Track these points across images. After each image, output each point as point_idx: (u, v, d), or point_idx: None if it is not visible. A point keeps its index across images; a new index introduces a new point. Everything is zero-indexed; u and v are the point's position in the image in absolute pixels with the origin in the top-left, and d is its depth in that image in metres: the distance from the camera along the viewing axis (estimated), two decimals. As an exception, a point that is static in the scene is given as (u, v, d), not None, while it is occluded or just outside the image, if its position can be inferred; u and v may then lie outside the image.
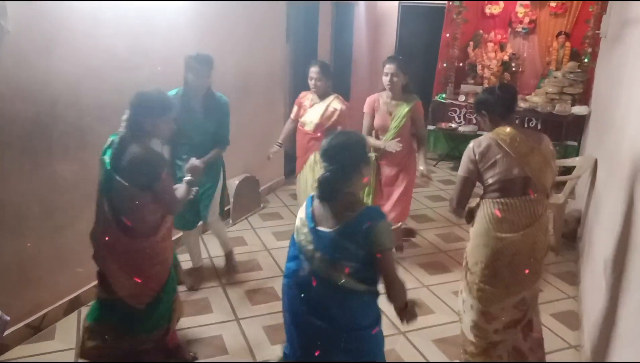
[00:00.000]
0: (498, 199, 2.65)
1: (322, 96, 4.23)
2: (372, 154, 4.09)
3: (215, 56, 4.64)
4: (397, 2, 8.89)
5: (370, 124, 4.17)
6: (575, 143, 6.75)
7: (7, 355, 3.05)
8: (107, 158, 2.54)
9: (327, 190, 2.12)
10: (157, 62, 3.93)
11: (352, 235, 2.05)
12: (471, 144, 2.71)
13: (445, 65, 7.97)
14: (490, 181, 2.66)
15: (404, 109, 4.01)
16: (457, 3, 7.75)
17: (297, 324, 2.23)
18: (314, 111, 4.24)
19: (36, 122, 3.04)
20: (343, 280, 2.07)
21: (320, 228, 2.11)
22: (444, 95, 7.76)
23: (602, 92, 5.25)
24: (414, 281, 4.15)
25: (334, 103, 4.19)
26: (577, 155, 6.35)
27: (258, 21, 5.30)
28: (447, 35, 7.91)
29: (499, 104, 2.73)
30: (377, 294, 2.19)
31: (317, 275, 2.12)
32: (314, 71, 4.17)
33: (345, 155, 2.12)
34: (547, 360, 3.23)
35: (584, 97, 6.98)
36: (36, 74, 3.01)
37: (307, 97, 4.35)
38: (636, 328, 2.13)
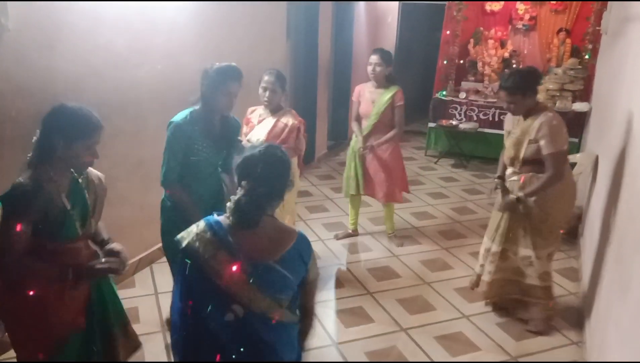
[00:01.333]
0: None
1: (274, 111, 3.74)
2: (356, 142, 4.47)
3: (215, 54, 4.65)
4: (397, 0, 8.87)
5: (356, 110, 4.48)
6: (576, 140, 6.74)
7: (6, 355, 3.05)
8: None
9: (250, 215, 1.77)
10: (157, 60, 3.93)
11: (294, 264, 1.81)
12: (555, 121, 3.09)
13: (445, 62, 7.96)
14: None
15: (385, 96, 4.28)
16: (457, 1, 7.74)
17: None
18: (261, 127, 3.75)
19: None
20: (275, 314, 1.81)
21: (249, 261, 1.77)
22: (444, 92, 7.76)
23: (602, 89, 5.25)
24: (415, 278, 4.16)
25: (285, 118, 3.70)
26: (578, 152, 6.33)
27: (258, 19, 5.29)
28: (448, 32, 7.90)
29: (539, 80, 3.26)
30: (295, 327, 1.94)
31: (247, 318, 1.79)
32: (268, 80, 3.64)
33: (276, 172, 1.82)
34: (549, 359, 3.25)
35: (585, 94, 6.98)
36: (36, 72, 3.01)
37: (255, 113, 3.86)
38: (637, 324, 2.13)
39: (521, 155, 3.23)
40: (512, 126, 3.39)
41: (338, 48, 7.43)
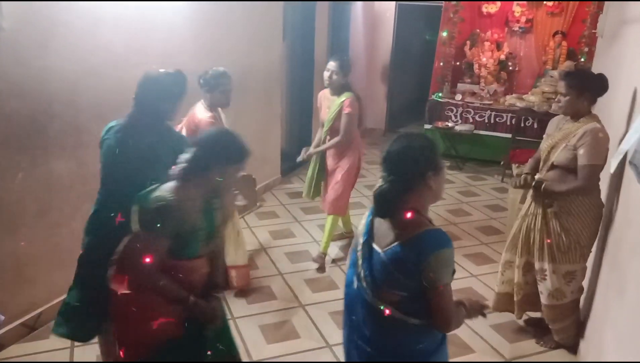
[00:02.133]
0: None
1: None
2: None
3: (212, 53, 4.64)
4: (394, 1, 8.88)
5: (320, 117, 4.39)
6: (572, 142, 6.75)
7: (3, 354, 3.04)
8: None
9: (383, 203, 1.80)
10: (155, 60, 3.90)
11: (402, 261, 1.72)
12: (602, 134, 2.88)
13: (441, 64, 7.97)
14: None
15: (336, 103, 4.13)
16: (453, 2, 7.75)
17: (344, 334, 2.03)
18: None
19: (33, 121, 3.03)
20: (385, 309, 1.77)
21: (374, 245, 1.82)
22: (440, 94, 7.76)
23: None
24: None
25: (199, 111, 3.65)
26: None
27: (255, 19, 5.28)
28: (444, 34, 7.91)
29: (602, 90, 3.00)
30: (426, 330, 1.82)
31: (362, 294, 1.84)
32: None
33: (409, 161, 1.77)
34: (543, 359, 3.25)
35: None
36: (33, 72, 2.99)
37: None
38: (634, 326, 2.13)
39: (552, 158, 3.04)
40: (554, 129, 3.22)
41: (334, 48, 7.42)
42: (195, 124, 3.53)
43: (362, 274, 1.82)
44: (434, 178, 1.77)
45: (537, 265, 3.16)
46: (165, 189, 2.06)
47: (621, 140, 2.76)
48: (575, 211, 3.00)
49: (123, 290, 2.10)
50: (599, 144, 2.88)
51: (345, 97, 4.08)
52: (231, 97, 3.67)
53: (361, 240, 1.86)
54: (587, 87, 2.97)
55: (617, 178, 2.97)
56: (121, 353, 2.18)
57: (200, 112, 3.55)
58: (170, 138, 2.64)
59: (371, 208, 1.89)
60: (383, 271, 1.76)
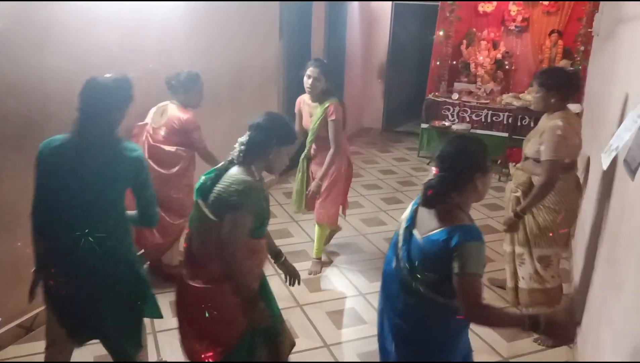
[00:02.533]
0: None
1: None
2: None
3: (208, 52, 4.64)
4: (390, 1, 8.88)
5: (299, 124, 4.10)
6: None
7: (0, 355, 3.03)
8: None
9: (428, 197, 1.98)
10: (150, 59, 3.90)
11: (436, 248, 1.91)
12: (560, 131, 3.05)
13: (438, 63, 7.98)
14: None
15: (319, 110, 3.91)
16: (450, 1, 7.76)
17: (379, 306, 2.27)
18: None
19: (29, 120, 3.02)
20: (417, 287, 1.98)
21: (414, 231, 2.05)
22: (437, 93, 7.77)
23: (594, 90, 5.27)
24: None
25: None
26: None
27: (251, 18, 5.28)
28: (441, 33, 7.92)
29: (572, 88, 3.25)
30: (450, 310, 1.98)
31: (398, 273, 2.07)
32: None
33: (461, 161, 1.96)
34: (540, 359, 3.26)
35: (577, 96, 7.00)
36: (28, 71, 2.98)
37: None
38: (630, 325, 2.14)
39: (525, 149, 3.33)
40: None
41: (331, 47, 7.42)
42: (180, 125, 3.61)
43: (400, 255, 2.05)
44: (481, 179, 1.98)
45: (516, 251, 3.39)
46: (236, 172, 2.18)
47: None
48: (545, 204, 3.22)
49: (205, 284, 2.19)
50: (557, 140, 3.07)
51: (328, 102, 3.88)
52: (222, 94, 3.72)
53: (404, 225, 2.09)
54: (556, 84, 3.18)
55: (611, 174, 2.98)
56: (212, 347, 2.25)
57: (181, 113, 3.64)
58: (122, 155, 2.28)
59: (417, 198, 2.12)
60: (420, 255, 1.98)
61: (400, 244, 2.08)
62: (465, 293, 1.86)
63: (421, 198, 2.03)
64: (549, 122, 3.18)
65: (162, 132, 3.64)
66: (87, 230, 2.21)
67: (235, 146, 2.25)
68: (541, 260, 3.32)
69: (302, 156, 4.16)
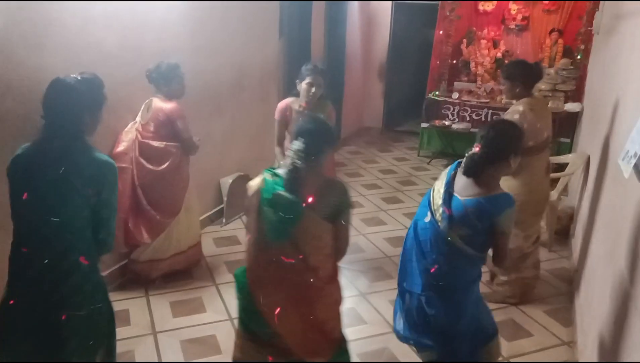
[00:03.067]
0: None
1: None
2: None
3: (207, 51, 4.63)
4: (390, 0, 8.87)
5: (282, 131, 3.90)
6: (568, 140, 6.76)
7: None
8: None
9: (472, 167, 2.35)
10: (149, 58, 3.89)
11: (481, 210, 2.30)
12: (511, 116, 3.35)
13: (438, 62, 7.96)
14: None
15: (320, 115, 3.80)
16: (450, 0, 7.74)
17: (404, 259, 2.60)
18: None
19: (27, 120, 3.01)
20: (454, 239, 2.34)
21: (455, 193, 2.40)
22: (437, 92, 7.76)
23: (594, 89, 5.27)
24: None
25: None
26: (570, 152, 6.36)
27: (251, 17, 5.27)
28: (441, 32, 7.91)
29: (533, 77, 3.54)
30: (481, 260, 2.46)
31: (433, 226, 2.40)
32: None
33: (500, 142, 2.33)
34: (541, 359, 3.25)
35: (577, 94, 7.00)
36: (26, 71, 2.97)
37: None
38: (630, 324, 2.13)
39: None
40: None
41: (331, 47, 7.41)
42: (164, 116, 3.63)
43: (438, 212, 2.39)
44: (514, 159, 2.38)
45: None
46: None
47: (625, 137, 2.75)
48: (513, 183, 3.42)
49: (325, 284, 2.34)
50: None
51: (327, 106, 3.78)
52: (221, 93, 3.68)
53: (443, 188, 2.42)
54: (517, 75, 3.51)
55: (613, 173, 2.97)
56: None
57: (164, 103, 3.66)
58: (89, 161, 2.10)
59: (452, 165, 2.50)
60: (461, 213, 2.34)
61: (439, 202, 2.40)
62: (501, 248, 2.40)
63: (464, 167, 2.39)
64: (512, 108, 3.50)
65: (150, 127, 3.68)
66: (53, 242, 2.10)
67: None
68: (526, 239, 3.63)
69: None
